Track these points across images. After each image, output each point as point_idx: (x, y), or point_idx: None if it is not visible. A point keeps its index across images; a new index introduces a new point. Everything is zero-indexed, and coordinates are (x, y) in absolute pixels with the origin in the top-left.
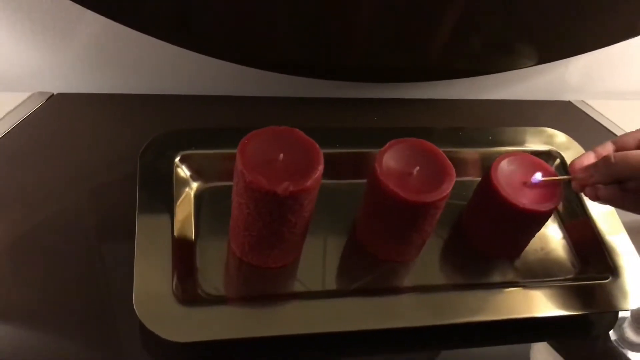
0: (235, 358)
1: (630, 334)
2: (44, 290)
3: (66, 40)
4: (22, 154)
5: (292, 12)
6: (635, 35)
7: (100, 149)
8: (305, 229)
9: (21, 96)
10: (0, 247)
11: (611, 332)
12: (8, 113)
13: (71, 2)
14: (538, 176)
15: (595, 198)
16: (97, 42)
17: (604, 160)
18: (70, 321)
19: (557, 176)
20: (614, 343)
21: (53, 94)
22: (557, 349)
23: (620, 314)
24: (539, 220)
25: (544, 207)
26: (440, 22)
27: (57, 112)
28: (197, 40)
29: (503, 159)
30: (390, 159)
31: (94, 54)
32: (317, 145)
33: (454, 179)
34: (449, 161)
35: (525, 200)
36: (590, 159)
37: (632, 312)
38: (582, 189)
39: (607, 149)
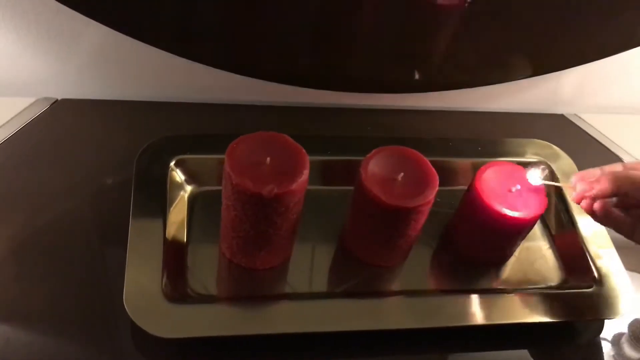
0: (221, 356)
1: (628, 350)
2: (44, 289)
3: (71, 49)
4: (26, 156)
5: (291, 24)
6: (627, 48)
7: (102, 152)
8: (291, 231)
9: (26, 101)
10: (5, 246)
11: (609, 348)
12: (13, 117)
13: (76, 13)
14: (536, 179)
15: (590, 211)
16: (100, 51)
17: (608, 174)
18: (65, 318)
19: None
20: (612, 359)
21: (57, 100)
22: (543, 357)
23: (618, 330)
24: (522, 228)
25: (527, 215)
26: (435, 34)
27: (61, 117)
28: (197, 51)
29: (488, 167)
30: (375, 166)
31: (97, 62)
32: (304, 150)
33: (437, 186)
34: (433, 169)
35: (509, 208)
36: (595, 173)
37: (630, 327)
38: (581, 200)
39: (615, 167)
